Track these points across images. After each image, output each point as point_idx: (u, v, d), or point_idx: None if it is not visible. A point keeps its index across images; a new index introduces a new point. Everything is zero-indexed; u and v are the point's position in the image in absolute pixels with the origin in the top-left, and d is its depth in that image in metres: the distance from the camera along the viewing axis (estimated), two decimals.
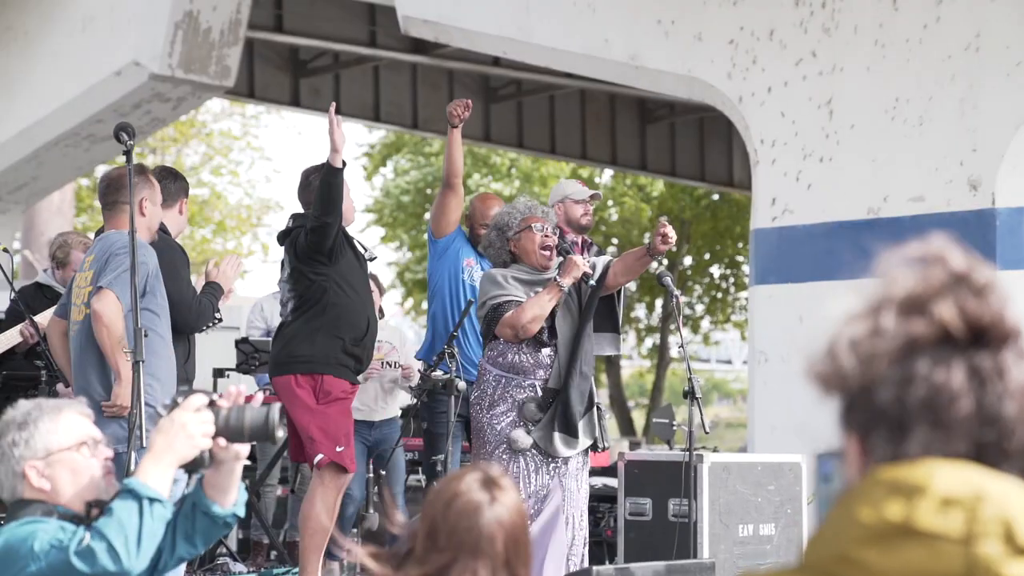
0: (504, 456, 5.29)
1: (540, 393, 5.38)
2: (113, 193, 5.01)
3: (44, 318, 6.08)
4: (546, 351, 5.41)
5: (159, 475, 2.71)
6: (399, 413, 7.21)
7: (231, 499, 2.82)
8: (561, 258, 5.47)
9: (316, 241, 5.53)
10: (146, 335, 4.50)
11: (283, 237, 5.82)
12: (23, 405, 2.90)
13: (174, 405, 2.75)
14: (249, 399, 2.82)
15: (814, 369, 1.25)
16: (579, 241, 6.30)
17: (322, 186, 5.50)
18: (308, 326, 5.58)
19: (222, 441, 2.76)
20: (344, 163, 5.51)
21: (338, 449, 5.50)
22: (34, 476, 2.80)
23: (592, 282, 5.38)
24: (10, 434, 2.82)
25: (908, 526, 1.16)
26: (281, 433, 2.78)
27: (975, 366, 1.21)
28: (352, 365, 5.64)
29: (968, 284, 1.23)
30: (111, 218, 5.04)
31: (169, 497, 2.75)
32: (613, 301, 5.64)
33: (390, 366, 7.15)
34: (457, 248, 6.36)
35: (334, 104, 5.65)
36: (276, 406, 2.79)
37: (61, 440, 2.81)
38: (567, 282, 5.32)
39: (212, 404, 2.77)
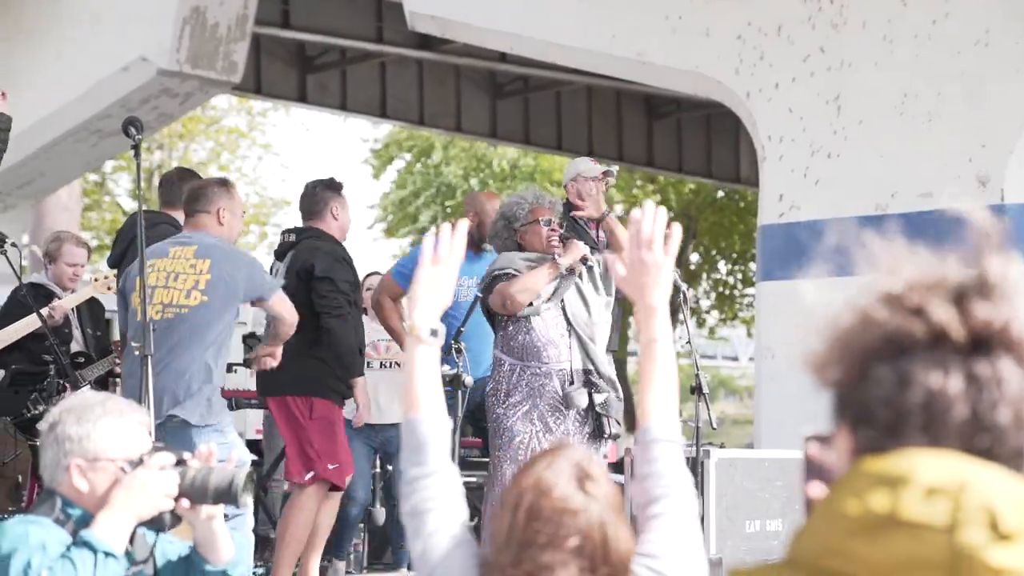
0: (520, 450, 5.25)
1: (564, 379, 5.34)
2: (192, 203, 5.18)
3: (68, 303, 6.14)
4: (559, 329, 5.38)
5: (115, 530, 2.69)
6: None
7: (221, 556, 2.80)
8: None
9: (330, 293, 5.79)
10: (155, 329, 4.53)
11: (284, 251, 5.95)
12: (88, 396, 2.84)
13: (140, 461, 2.74)
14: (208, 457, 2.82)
15: (810, 360, 1.26)
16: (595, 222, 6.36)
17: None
18: (300, 348, 5.69)
19: (184, 502, 2.74)
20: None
21: (331, 467, 5.70)
22: (76, 475, 2.75)
23: (590, 264, 5.44)
24: (68, 425, 2.76)
25: (894, 516, 1.16)
26: (247, 498, 2.77)
27: (974, 373, 1.20)
28: (341, 390, 5.85)
29: (977, 286, 1.21)
30: (191, 224, 5.20)
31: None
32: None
33: (396, 366, 7.13)
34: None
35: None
36: (243, 470, 2.78)
37: (114, 450, 2.75)
38: (566, 262, 5.38)
39: (182, 463, 2.76)
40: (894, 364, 1.21)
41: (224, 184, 5.27)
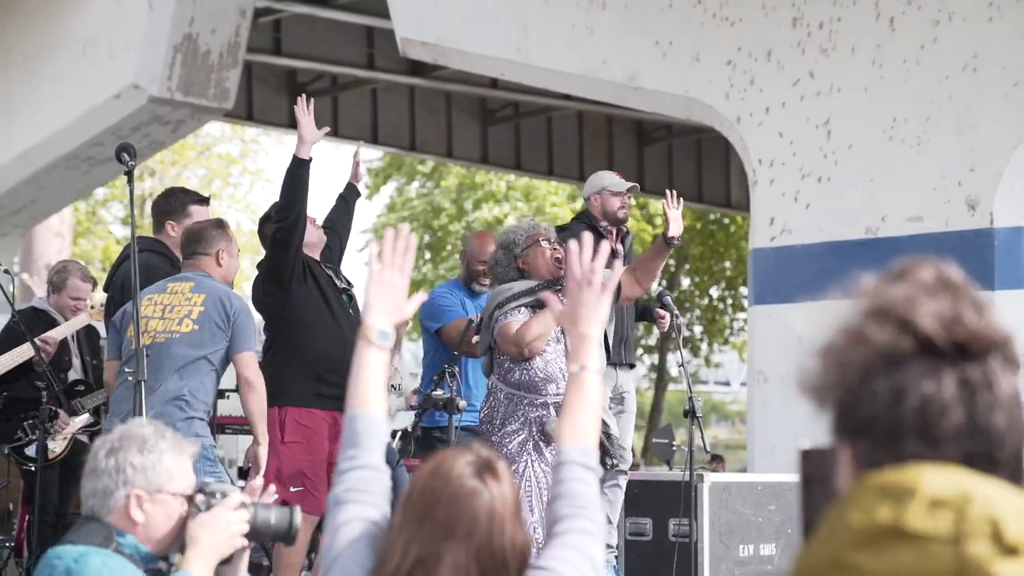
0: (516, 478, 5.24)
1: (554, 412, 5.32)
2: (191, 244, 5.24)
3: (59, 333, 6.14)
4: (558, 364, 5.35)
5: (208, 571, 2.71)
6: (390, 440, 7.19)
7: None
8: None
9: (276, 255, 5.49)
10: (148, 355, 4.55)
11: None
12: (147, 425, 2.82)
13: (210, 499, 2.73)
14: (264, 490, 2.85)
15: (806, 381, 1.27)
16: (613, 231, 6.36)
17: (287, 176, 5.48)
18: (278, 357, 5.53)
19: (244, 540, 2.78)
20: (310, 157, 5.49)
21: (292, 490, 5.41)
22: (134, 506, 2.71)
23: None
24: (130, 453, 2.72)
25: (898, 528, 1.17)
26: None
27: (965, 377, 1.22)
28: (330, 392, 5.46)
29: (955, 294, 1.24)
30: (189, 265, 5.24)
31: None
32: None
33: (394, 389, 7.12)
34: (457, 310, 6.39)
35: (304, 96, 5.68)
36: (297, 509, 2.83)
37: (175, 483, 2.74)
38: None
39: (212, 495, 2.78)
40: (889, 376, 1.23)
41: (221, 225, 5.37)
